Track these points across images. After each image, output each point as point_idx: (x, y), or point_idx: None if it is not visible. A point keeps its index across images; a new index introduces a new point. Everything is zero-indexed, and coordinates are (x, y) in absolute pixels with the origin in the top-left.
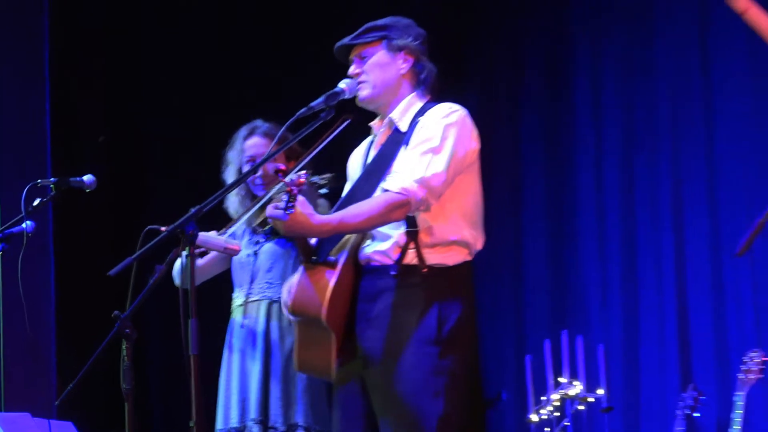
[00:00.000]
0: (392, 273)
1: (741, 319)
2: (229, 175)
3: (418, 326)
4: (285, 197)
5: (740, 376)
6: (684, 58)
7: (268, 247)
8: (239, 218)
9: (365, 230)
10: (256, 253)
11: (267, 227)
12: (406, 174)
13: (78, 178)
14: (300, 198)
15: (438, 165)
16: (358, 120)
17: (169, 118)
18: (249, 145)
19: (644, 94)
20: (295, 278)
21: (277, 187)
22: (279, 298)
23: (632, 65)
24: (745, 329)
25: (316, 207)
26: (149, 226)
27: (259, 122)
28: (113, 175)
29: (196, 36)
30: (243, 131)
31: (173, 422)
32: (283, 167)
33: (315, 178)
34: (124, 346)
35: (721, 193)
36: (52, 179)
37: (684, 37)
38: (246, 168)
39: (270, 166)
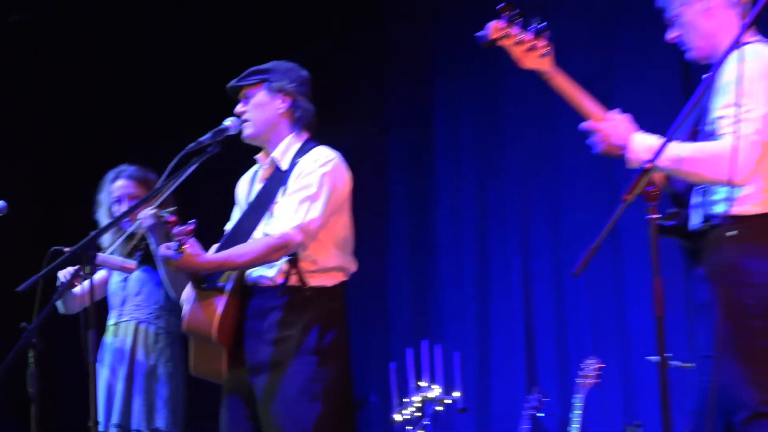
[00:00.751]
0: (278, 294)
1: (579, 330)
2: (101, 215)
3: (301, 340)
4: (176, 241)
5: (579, 380)
6: (531, 101)
7: (137, 274)
8: (110, 249)
9: (248, 268)
10: (126, 280)
11: (135, 257)
12: (285, 220)
13: None
14: (190, 240)
15: (314, 212)
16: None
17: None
18: (116, 187)
19: (496, 130)
20: (188, 300)
21: (137, 223)
22: (146, 318)
23: (487, 103)
24: (583, 339)
25: (166, 238)
26: (54, 247)
27: (124, 167)
28: (31, 201)
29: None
30: (110, 175)
31: (76, 423)
32: (172, 219)
33: (163, 212)
34: (30, 355)
35: (563, 219)
36: None
37: (529, 81)
38: (115, 207)
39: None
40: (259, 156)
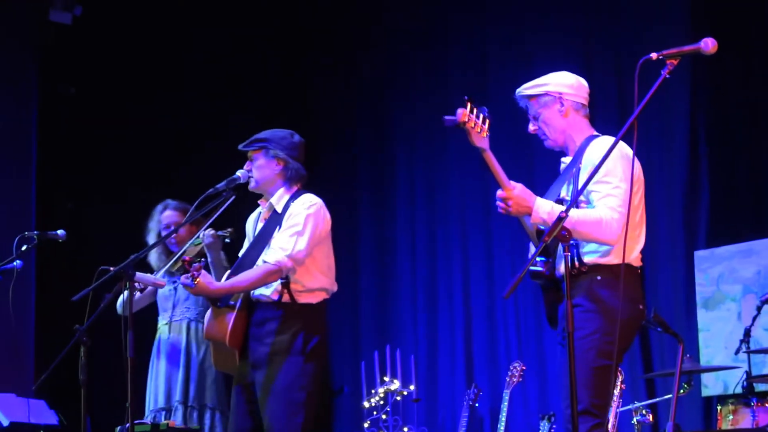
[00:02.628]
0: (275, 308)
1: (507, 340)
2: (151, 239)
3: (291, 344)
4: (190, 275)
5: (507, 379)
6: (471, 163)
7: None
8: (165, 267)
9: (250, 290)
10: (175, 289)
11: (182, 271)
12: (279, 250)
13: (54, 232)
14: (202, 272)
15: (301, 244)
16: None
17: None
18: (164, 216)
19: (443, 187)
20: (207, 316)
21: (186, 247)
22: (195, 318)
23: (435, 167)
24: (510, 347)
25: (219, 259)
26: (102, 267)
27: (169, 201)
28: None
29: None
30: (159, 207)
31: (114, 404)
32: (187, 258)
33: (221, 232)
34: (82, 350)
35: (495, 252)
36: (35, 232)
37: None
38: (164, 233)
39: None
40: (261, 200)
